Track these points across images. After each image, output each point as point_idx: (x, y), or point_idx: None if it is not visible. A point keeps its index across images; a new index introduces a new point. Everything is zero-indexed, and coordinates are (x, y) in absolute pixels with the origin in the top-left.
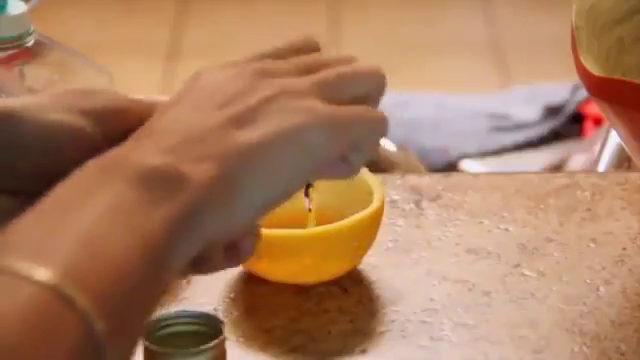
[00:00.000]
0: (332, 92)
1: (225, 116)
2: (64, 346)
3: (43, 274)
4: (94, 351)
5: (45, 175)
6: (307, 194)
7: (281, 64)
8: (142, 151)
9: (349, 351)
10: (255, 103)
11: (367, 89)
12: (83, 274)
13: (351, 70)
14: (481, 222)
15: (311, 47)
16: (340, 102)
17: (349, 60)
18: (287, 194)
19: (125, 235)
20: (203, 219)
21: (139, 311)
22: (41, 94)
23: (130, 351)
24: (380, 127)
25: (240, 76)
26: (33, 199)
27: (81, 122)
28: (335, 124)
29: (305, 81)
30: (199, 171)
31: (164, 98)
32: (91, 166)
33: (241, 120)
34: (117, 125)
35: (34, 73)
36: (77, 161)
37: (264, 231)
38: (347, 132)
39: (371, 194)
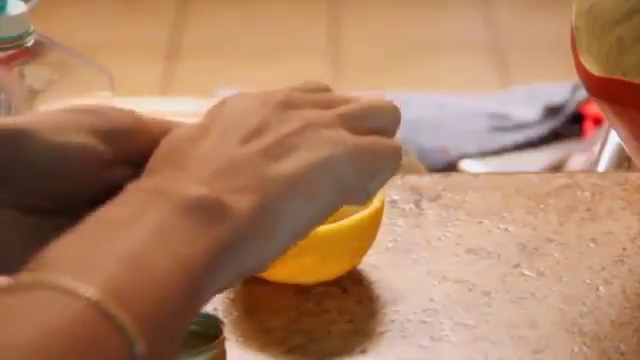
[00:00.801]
0: (355, 124)
1: (257, 148)
2: None
3: (88, 291)
4: None
5: (56, 193)
6: None
7: (303, 96)
8: (183, 180)
9: (349, 351)
10: (285, 135)
11: (384, 122)
12: (127, 294)
13: (370, 103)
14: (481, 222)
15: (323, 89)
16: (362, 133)
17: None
18: (317, 224)
19: (169, 260)
20: (242, 250)
21: (175, 336)
22: (52, 112)
23: None
24: (397, 156)
25: (265, 106)
26: (45, 217)
27: (91, 141)
28: (361, 154)
29: (329, 113)
30: (241, 201)
31: (175, 119)
32: (132, 191)
33: (273, 152)
34: (128, 144)
35: (34, 73)
36: (89, 179)
37: None
38: (371, 161)
39: None
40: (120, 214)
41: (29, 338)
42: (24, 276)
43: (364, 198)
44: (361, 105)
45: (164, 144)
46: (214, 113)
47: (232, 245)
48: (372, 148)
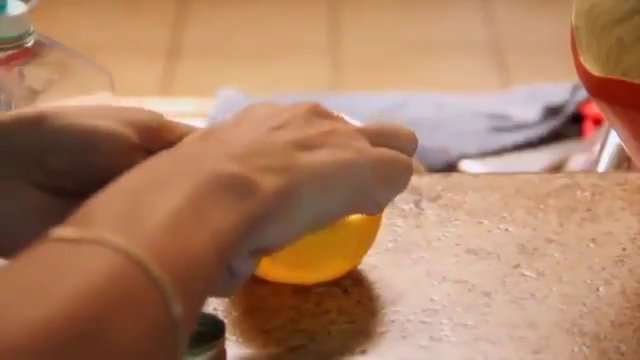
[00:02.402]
0: (374, 140)
1: (286, 138)
2: (147, 321)
3: (131, 249)
4: (171, 332)
5: (83, 175)
6: None
7: (326, 111)
8: (215, 156)
9: (349, 351)
10: (312, 134)
11: (400, 143)
12: (167, 257)
13: (389, 126)
14: (481, 222)
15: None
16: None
17: None
18: (329, 221)
19: (202, 231)
20: (265, 228)
21: (201, 304)
22: (86, 107)
23: (187, 341)
24: (410, 173)
25: (292, 110)
26: (67, 198)
27: (122, 129)
28: (381, 165)
29: (352, 127)
30: (268, 181)
31: (201, 125)
32: (165, 158)
33: (302, 145)
34: (154, 137)
35: (34, 73)
36: (114, 162)
37: None
38: (388, 173)
39: None
40: (152, 178)
41: (73, 290)
42: (69, 230)
43: (375, 209)
44: (380, 126)
45: (195, 131)
46: (241, 114)
47: (257, 222)
48: (390, 161)
